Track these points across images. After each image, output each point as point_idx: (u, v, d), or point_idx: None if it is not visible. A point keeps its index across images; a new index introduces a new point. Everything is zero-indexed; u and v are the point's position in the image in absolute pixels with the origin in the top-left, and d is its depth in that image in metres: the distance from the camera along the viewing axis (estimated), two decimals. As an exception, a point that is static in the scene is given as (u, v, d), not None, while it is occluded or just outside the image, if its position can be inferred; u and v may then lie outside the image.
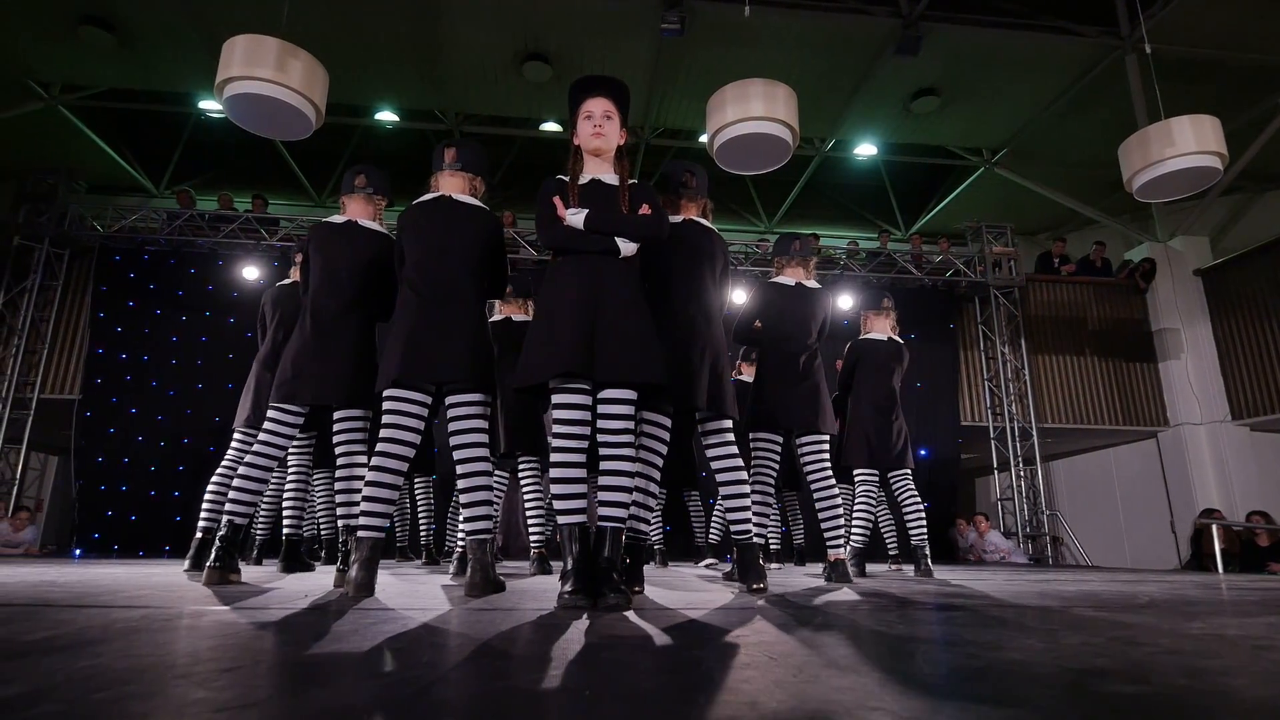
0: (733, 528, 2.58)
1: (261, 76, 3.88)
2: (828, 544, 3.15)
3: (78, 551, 6.29)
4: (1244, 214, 9.37)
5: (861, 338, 4.19)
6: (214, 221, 7.45)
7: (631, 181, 2.19)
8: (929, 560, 3.97)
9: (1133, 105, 6.90)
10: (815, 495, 3.18)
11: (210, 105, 8.25)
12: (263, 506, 3.89)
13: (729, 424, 2.58)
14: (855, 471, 4.05)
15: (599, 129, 2.13)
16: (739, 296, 7.67)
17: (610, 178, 2.17)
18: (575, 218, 2.05)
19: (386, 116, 8.66)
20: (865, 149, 9.28)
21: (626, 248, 2.07)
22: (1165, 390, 8.44)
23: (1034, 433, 7.99)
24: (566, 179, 2.16)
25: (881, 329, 4.17)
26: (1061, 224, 10.42)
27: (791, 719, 0.72)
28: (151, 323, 7.03)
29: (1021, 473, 7.99)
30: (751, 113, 4.24)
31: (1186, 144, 4.68)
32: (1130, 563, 8.47)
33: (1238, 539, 7.09)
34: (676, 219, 2.52)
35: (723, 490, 2.56)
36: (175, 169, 9.51)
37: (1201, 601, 2.29)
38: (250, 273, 7.04)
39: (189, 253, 7.31)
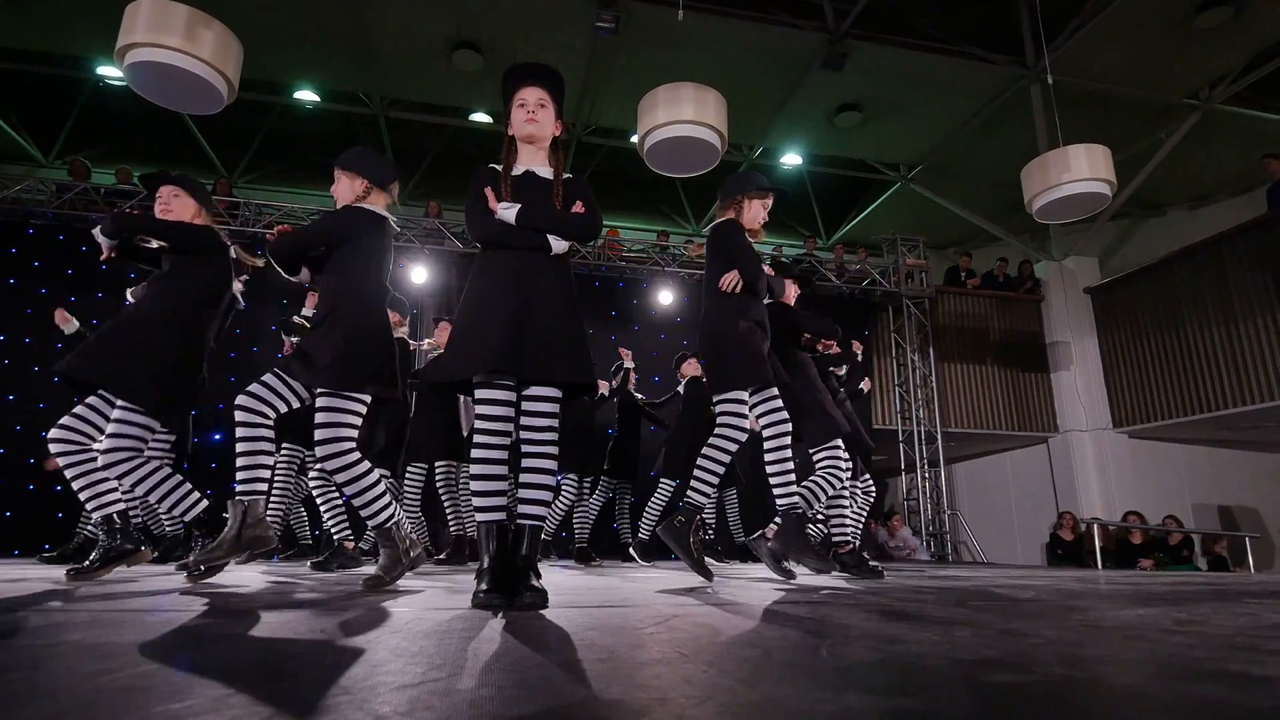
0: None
1: (168, 45, 3.65)
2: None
3: (-59, 550, 5.74)
4: (1129, 238, 10.17)
5: None
6: (110, 196, 6.94)
7: (566, 176, 2.16)
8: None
9: (1035, 131, 7.36)
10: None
11: (110, 71, 7.69)
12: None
13: None
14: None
15: (532, 115, 2.09)
16: (666, 297, 7.76)
17: (545, 171, 2.14)
18: (507, 212, 2.00)
19: (307, 96, 8.29)
20: (791, 158, 9.54)
21: (558, 245, 2.04)
22: (1056, 399, 9.05)
23: (939, 436, 8.41)
24: (499, 168, 2.11)
25: None
26: (968, 239, 11.01)
27: (698, 713, 0.74)
28: (35, 303, 6.48)
29: (926, 474, 8.40)
30: (682, 116, 4.30)
31: (1080, 170, 5.05)
32: (1021, 559, 9.04)
33: (1113, 537, 7.69)
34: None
35: None
36: (68, 138, 8.80)
37: (1081, 595, 2.47)
38: (150, 253, 6.61)
39: (80, 229, 6.78)
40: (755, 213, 3.07)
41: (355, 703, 0.77)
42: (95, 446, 2.57)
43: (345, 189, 2.53)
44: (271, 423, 2.34)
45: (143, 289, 2.81)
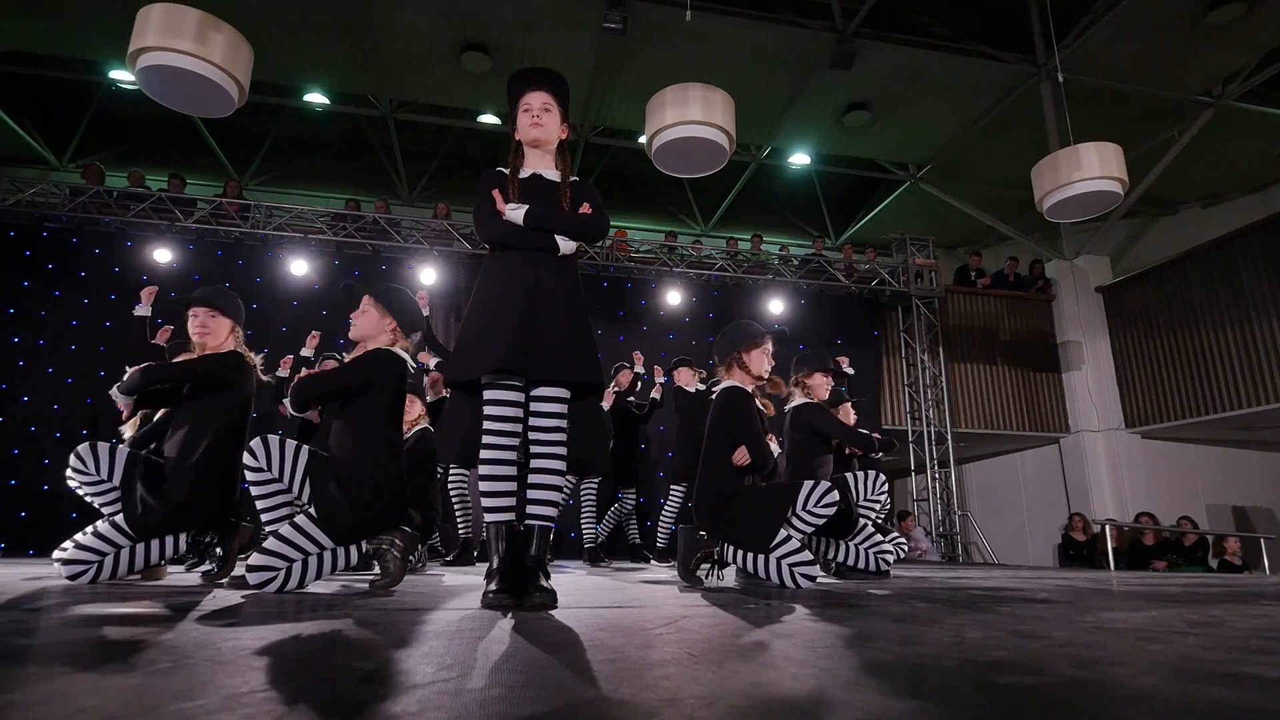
0: None
1: (180, 49, 3.68)
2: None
3: (-43, 550, 5.80)
4: (1141, 236, 10.08)
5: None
6: (123, 199, 6.99)
7: (573, 178, 2.17)
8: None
9: (1046, 130, 7.31)
10: None
11: (122, 75, 7.75)
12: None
13: None
14: None
15: (537, 120, 2.11)
16: (674, 298, 7.75)
17: (551, 173, 2.16)
18: (515, 213, 2.02)
19: (316, 98, 8.33)
20: (799, 158, 9.51)
21: (566, 245, 2.05)
22: (1067, 399, 8.98)
23: (949, 437, 8.36)
24: (506, 171, 2.13)
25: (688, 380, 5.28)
26: (979, 239, 10.94)
27: (707, 714, 0.74)
28: (49, 305, 6.55)
29: (936, 475, 8.35)
30: (690, 116, 4.30)
31: (1092, 169, 5.01)
32: (1032, 560, 8.98)
33: (1126, 538, 7.62)
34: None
35: None
36: (80, 141, 8.87)
37: (1093, 596, 2.46)
38: (162, 255, 6.67)
39: (94, 231, 6.85)
40: (759, 363, 2.95)
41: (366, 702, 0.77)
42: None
43: (373, 323, 2.49)
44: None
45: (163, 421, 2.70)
